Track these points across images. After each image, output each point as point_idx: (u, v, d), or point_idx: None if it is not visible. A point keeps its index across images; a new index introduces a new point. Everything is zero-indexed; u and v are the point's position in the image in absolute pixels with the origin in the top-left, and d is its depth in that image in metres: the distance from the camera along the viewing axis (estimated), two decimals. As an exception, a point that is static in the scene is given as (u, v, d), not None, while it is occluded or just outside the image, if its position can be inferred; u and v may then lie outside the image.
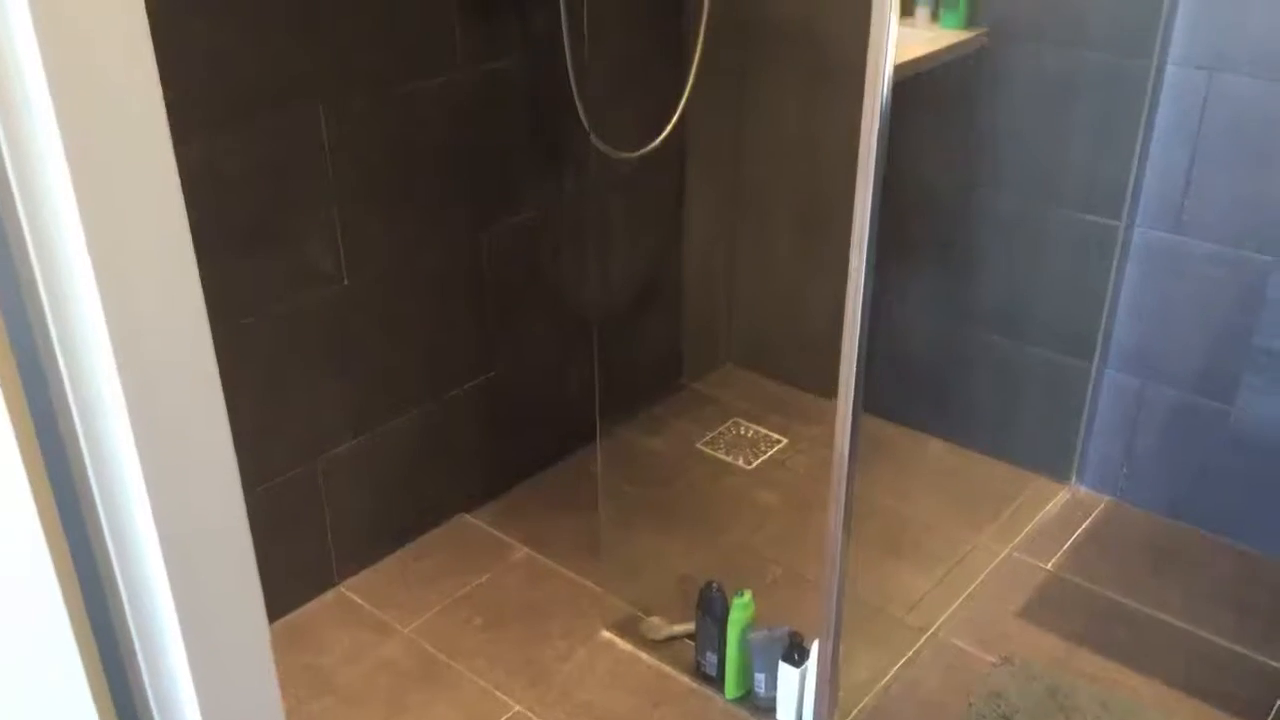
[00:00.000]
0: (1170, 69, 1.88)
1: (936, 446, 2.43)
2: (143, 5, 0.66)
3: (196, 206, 0.74)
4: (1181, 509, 2.15)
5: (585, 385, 2.36)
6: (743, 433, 2.53)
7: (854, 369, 1.49)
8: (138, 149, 0.67)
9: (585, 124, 2.07)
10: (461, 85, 1.95)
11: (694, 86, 2.21)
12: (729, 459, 2.44)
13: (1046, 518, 2.22)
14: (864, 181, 1.44)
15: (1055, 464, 2.29)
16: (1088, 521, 2.20)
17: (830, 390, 2.54)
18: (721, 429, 2.54)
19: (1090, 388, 2.18)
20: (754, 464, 2.42)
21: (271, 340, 1.80)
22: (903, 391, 2.42)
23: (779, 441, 2.49)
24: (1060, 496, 2.27)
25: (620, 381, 2.49)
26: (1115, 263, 2.05)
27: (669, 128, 2.22)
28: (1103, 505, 2.24)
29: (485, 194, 2.07)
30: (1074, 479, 2.29)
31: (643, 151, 2.20)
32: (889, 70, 1.39)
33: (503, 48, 2.00)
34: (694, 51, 2.19)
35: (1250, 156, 1.85)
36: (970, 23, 2.04)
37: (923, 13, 2.09)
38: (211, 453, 0.80)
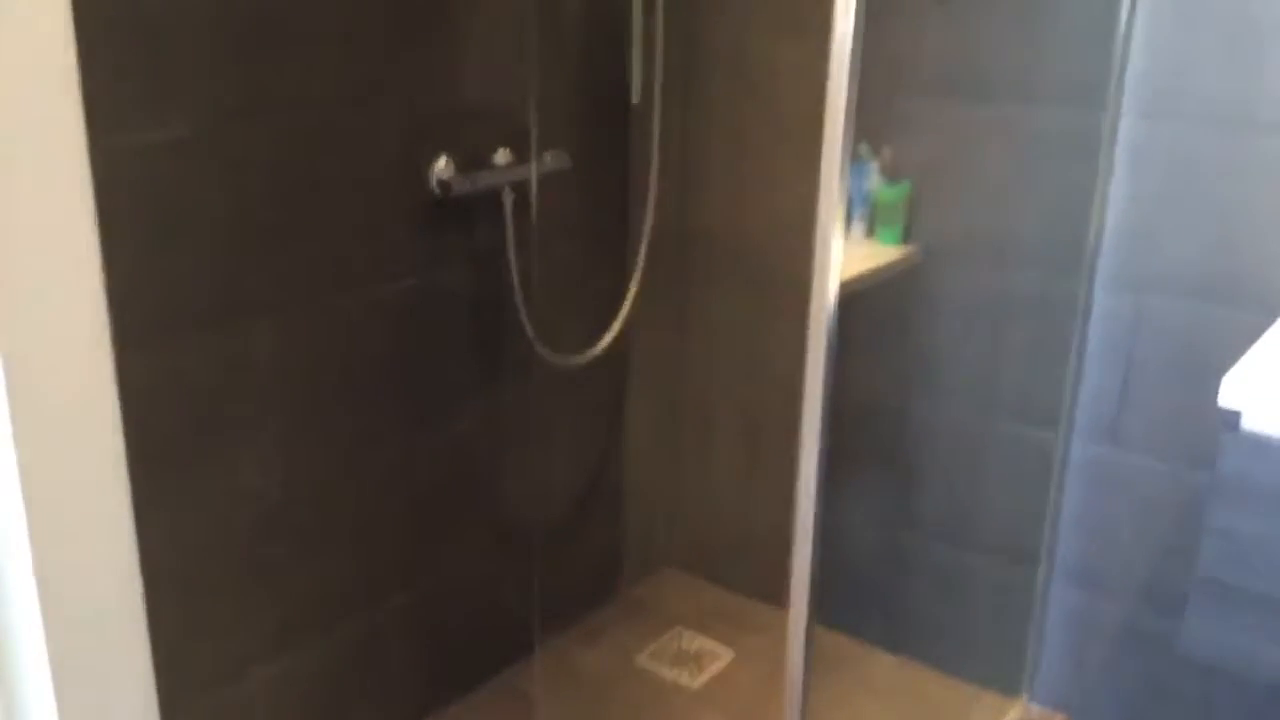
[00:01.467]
0: (1099, 290, 1.94)
1: (885, 660, 2.36)
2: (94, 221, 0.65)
3: (128, 423, 0.69)
4: (1137, 728, 2.09)
5: (522, 595, 2.28)
6: (685, 645, 2.44)
7: (805, 595, 1.45)
8: (77, 371, 0.64)
9: (529, 331, 2.07)
10: (406, 295, 1.94)
11: (637, 293, 2.24)
12: (672, 675, 2.33)
13: (1000, 737, 2.15)
14: (812, 396, 1.44)
15: (1007, 679, 2.23)
16: (1042, 741, 2.14)
17: (773, 595, 2.50)
18: (663, 639, 2.45)
19: (1038, 601, 2.15)
20: (698, 681, 2.32)
21: (195, 557, 1.70)
22: (849, 602, 2.36)
23: (723, 655, 2.40)
24: (1012, 713, 2.20)
25: (558, 590, 2.41)
26: (1055, 475, 2.06)
27: (611, 334, 2.24)
28: (1056, 723, 2.18)
29: (424, 402, 2.03)
30: (1026, 695, 2.22)
31: (585, 358, 2.21)
32: (834, 288, 1.39)
33: (448, 258, 2.00)
34: (637, 260, 2.23)
35: (1181, 375, 1.89)
36: (905, 240, 2.10)
37: (858, 228, 2.15)
38: (129, 678, 0.74)
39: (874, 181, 2.11)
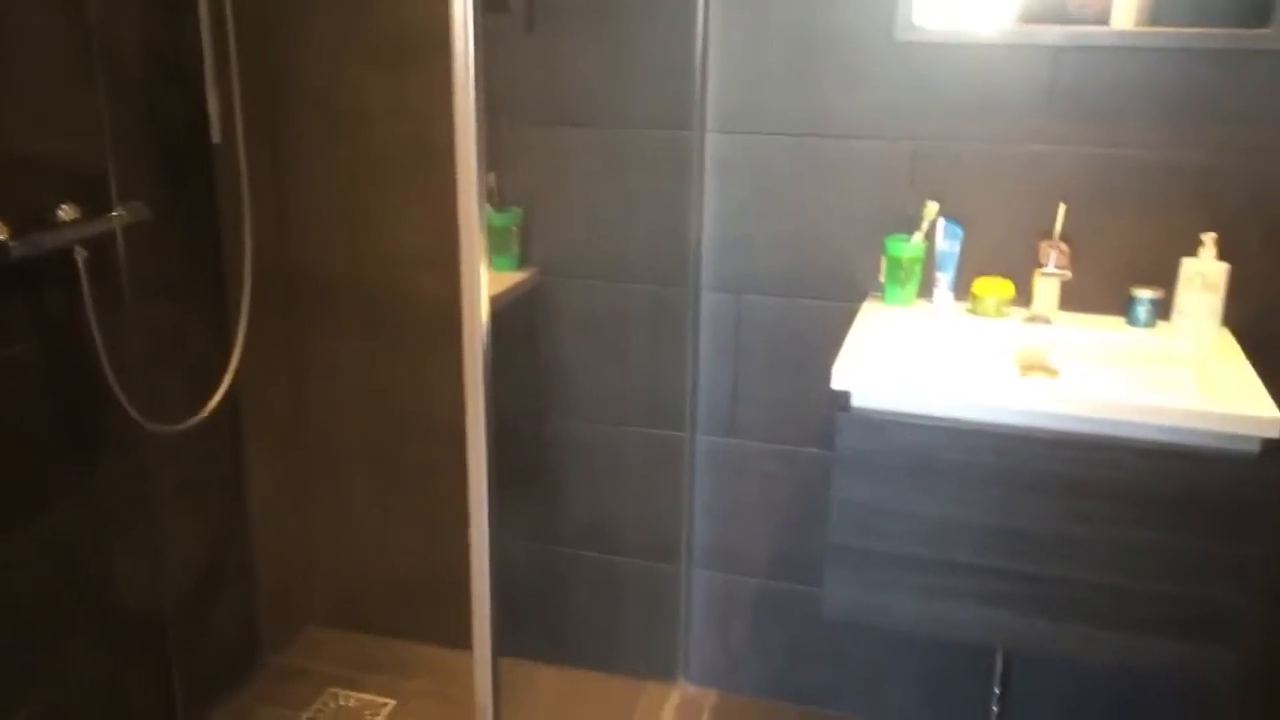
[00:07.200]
0: (705, 294, 2.09)
1: (546, 673, 2.39)
2: None
3: None
4: (782, 689, 2.28)
5: (157, 687, 2.05)
6: (343, 704, 2.31)
7: (487, 616, 1.44)
8: None
9: (124, 402, 1.84)
10: (-37, 384, 1.65)
11: (244, 346, 2.07)
12: (335, 740, 2.21)
13: (665, 722, 2.26)
14: (475, 426, 1.41)
15: (662, 667, 2.34)
16: (703, 718, 2.26)
17: (426, 633, 2.44)
18: (319, 703, 2.30)
19: (683, 589, 2.28)
20: (365, 739, 2.21)
21: None
22: (507, 623, 2.36)
23: (385, 704, 2.31)
24: (673, 698, 2.32)
25: (196, 673, 2.19)
26: (686, 470, 2.19)
27: (220, 393, 2.05)
28: (713, 697, 2.32)
29: (3, 498, 1.75)
30: (681, 678, 2.35)
31: (193, 422, 2.01)
32: (485, 316, 1.37)
33: (11, 333, 1.73)
34: (239, 313, 2.06)
35: (783, 363, 2.08)
36: (522, 265, 2.13)
37: (472, 256, 2.14)
38: None
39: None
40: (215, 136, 2.02)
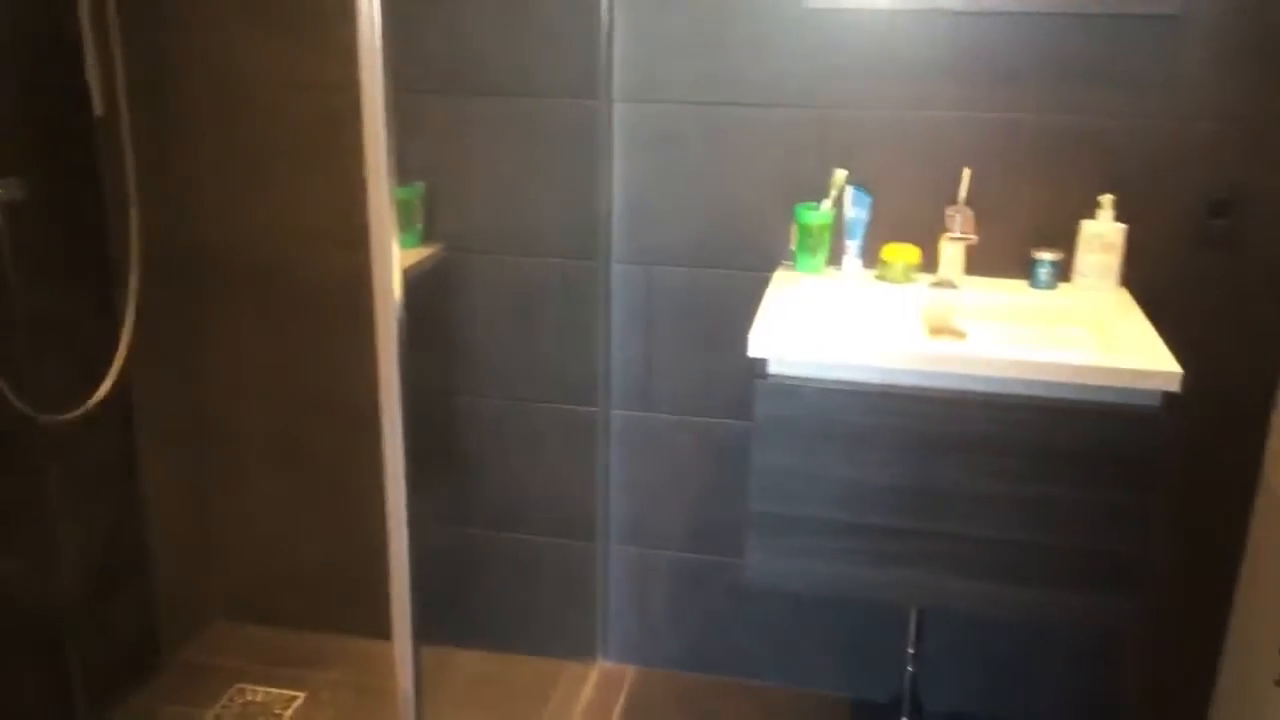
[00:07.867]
0: (616, 266, 2.06)
1: (463, 658, 2.35)
2: None
3: None
4: (699, 661, 2.29)
5: (51, 690, 1.95)
6: (251, 699, 2.23)
7: (407, 603, 1.40)
8: None
9: (6, 390, 1.75)
10: None
11: (134, 333, 1.98)
12: (245, 736, 2.13)
13: (585, 701, 2.23)
14: (390, 411, 1.37)
15: (580, 646, 2.32)
16: (623, 695, 2.25)
17: (334, 622, 2.38)
18: (224, 701, 2.22)
19: (599, 566, 2.26)
20: (276, 734, 2.14)
21: None
22: (423, 607, 2.31)
23: (295, 697, 2.24)
24: (592, 676, 2.30)
25: (93, 674, 2.09)
26: (600, 445, 2.17)
27: (109, 381, 1.96)
28: (631, 674, 2.31)
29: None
30: (599, 656, 2.34)
31: (79, 411, 1.91)
32: (399, 297, 1.31)
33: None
34: (128, 292, 1.97)
35: (694, 334, 2.07)
36: (426, 240, 2.07)
37: (374, 232, 2.07)
38: None
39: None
40: (97, 109, 1.92)
